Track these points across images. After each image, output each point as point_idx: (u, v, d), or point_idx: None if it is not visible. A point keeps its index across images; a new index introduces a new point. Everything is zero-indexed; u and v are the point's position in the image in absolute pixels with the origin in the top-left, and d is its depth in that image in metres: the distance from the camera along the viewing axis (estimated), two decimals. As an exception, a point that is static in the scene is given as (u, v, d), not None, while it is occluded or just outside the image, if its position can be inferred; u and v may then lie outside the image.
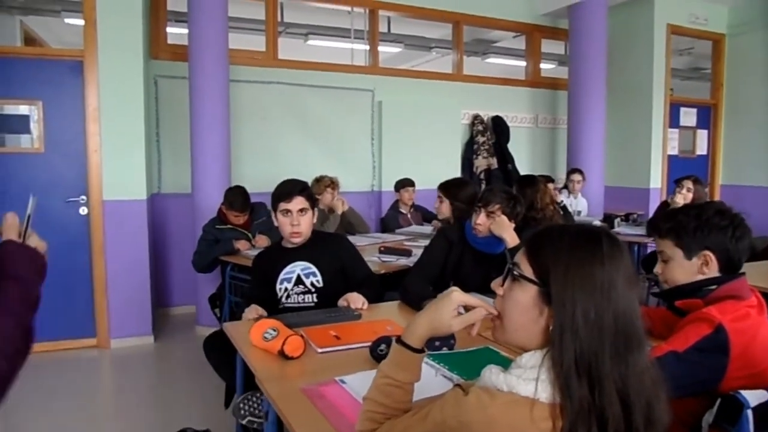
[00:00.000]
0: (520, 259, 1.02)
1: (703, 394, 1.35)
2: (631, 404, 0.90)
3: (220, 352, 2.39)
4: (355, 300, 2.31)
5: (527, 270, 1.00)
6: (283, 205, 2.40)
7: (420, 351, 1.13)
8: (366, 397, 1.17)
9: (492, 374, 0.97)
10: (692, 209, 1.61)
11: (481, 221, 2.47)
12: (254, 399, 1.97)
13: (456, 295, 1.10)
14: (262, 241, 3.89)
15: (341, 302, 2.32)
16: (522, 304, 1.00)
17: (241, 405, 1.97)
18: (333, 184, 4.61)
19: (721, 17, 7.17)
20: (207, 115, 4.60)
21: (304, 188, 2.49)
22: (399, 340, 1.15)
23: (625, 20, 6.83)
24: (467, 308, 1.12)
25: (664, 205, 4.86)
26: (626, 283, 0.95)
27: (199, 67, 4.59)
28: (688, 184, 4.70)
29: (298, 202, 2.41)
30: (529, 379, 0.92)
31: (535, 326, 0.98)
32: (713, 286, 1.54)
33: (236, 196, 3.93)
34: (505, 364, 1.02)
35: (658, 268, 1.66)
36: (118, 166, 4.31)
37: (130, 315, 4.41)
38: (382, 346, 1.70)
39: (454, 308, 1.09)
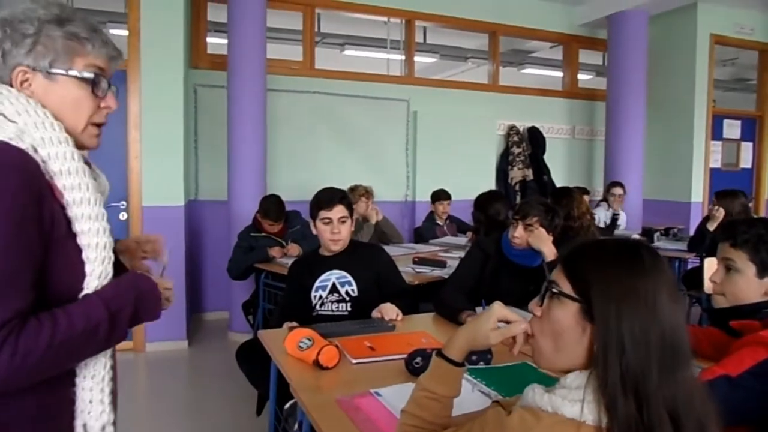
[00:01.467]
0: (558, 276, 0.98)
1: (758, 422, 1.29)
2: (682, 424, 0.86)
3: (254, 361, 2.39)
4: (389, 311, 2.28)
5: (566, 287, 0.96)
6: (323, 214, 2.41)
7: (460, 365, 1.11)
8: (404, 409, 1.15)
9: (536, 394, 0.94)
10: None
11: (518, 234, 2.43)
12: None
13: (497, 309, 1.08)
14: (294, 249, 3.91)
15: (375, 313, 2.30)
16: (563, 323, 0.96)
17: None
18: (367, 193, 4.62)
19: (767, 26, 6.96)
20: (244, 123, 4.67)
21: (344, 197, 2.50)
22: (439, 353, 1.13)
23: (666, 30, 6.69)
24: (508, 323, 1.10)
25: (705, 220, 4.70)
26: (670, 296, 0.91)
27: (238, 76, 4.67)
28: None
29: (339, 211, 2.42)
30: (575, 400, 0.89)
31: (578, 346, 0.94)
32: None
33: (271, 205, 3.97)
34: (544, 380, 0.99)
35: (716, 277, 1.58)
36: (158, 173, 4.40)
37: (165, 319, 4.38)
38: (418, 359, 1.67)
39: (494, 322, 1.07)
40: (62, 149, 1.02)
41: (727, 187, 5.01)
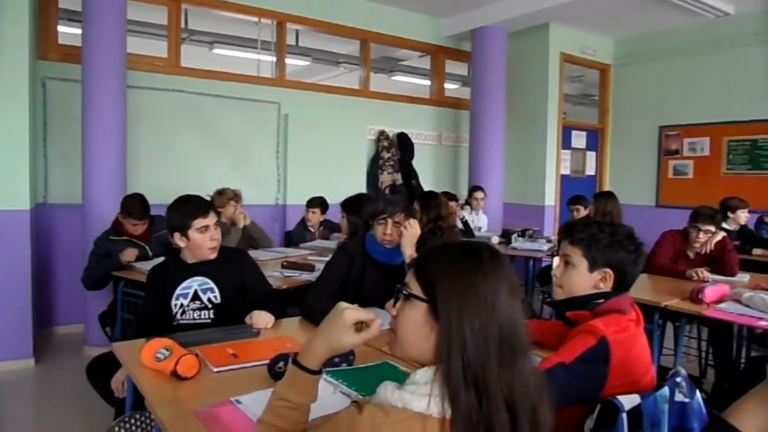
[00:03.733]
0: (409, 278, 1.05)
1: (587, 401, 1.44)
2: (517, 410, 0.94)
3: (107, 376, 2.24)
4: (261, 319, 2.24)
5: (415, 288, 1.02)
6: (200, 222, 2.31)
7: (317, 372, 1.12)
8: (260, 419, 1.14)
9: (387, 391, 0.98)
10: (607, 227, 1.71)
11: (390, 230, 2.49)
12: (133, 421, 1.86)
13: (348, 314, 1.09)
14: (130, 255, 3.59)
15: (247, 320, 2.25)
16: (413, 321, 1.02)
17: (117, 430, 1.85)
18: (236, 197, 4.50)
19: (607, 49, 7.78)
20: (101, 121, 4.35)
21: (212, 202, 2.46)
22: (295, 362, 1.13)
23: (523, 47, 7.23)
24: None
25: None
26: (509, 293, 0.99)
27: (93, 70, 4.34)
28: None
29: (213, 216, 2.37)
30: (422, 395, 0.94)
31: (427, 342, 1.00)
32: (601, 300, 1.65)
33: (134, 204, 3.71)
34: (404, 379, 1.03)
35: (557, 271, 1.75)
36: (-2, 173, 3.97)
37: (6, 335, 4.04)
38: (280, 364, 1.66)
39: (347, 326, 1.09)
40: None
41: (580, 192, 5.61)
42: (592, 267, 1.68)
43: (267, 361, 1.73)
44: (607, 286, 1.67)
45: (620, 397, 1.34)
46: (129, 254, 3.57)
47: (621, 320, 1.59)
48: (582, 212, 5.18)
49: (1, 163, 3.98)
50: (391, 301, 1.09)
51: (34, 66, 4.40)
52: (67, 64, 4.74)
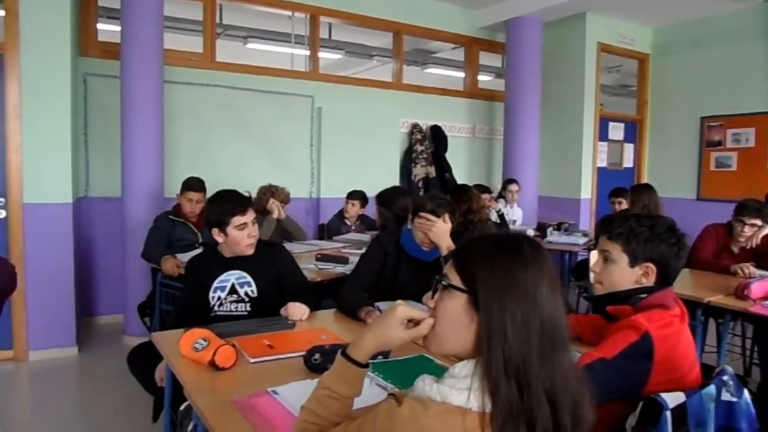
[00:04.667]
0: (449, 269, 1.04)
1: (629, 398, 1.40)
2: (559, 404, 0.92)
3: (147, 365, 2.28)
4: (296, 311, 2.26)
5: (455, 279, 1.01)
6: (239, 219, 2.34)
7: (364, 366, 1.13)
8: (303, 406, 1.15)
9: (425, 384, 0.97)
10: (646, 219, 1.66)
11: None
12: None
13: (401, 310, 1.09)
14: (171, 267, 3.55)
15: (282, 312, 2.27)
16: (452, 313, 1.01)
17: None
18: (273, 194, 4.51)
19: (646, 38, 7.57)
20: (139, 116, 4.44)
21: (250, 199, 2.51)
22: (344, 353, 1.13)
23: (559, 37, 7.09)
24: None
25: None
26: (550, 286, 0.98)
27: (132, 66, 4.42)
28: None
29: (251, 213, 2.40)
30: (462, 389, 0.93)
31: (466, 334, 0.99)
32: (644, 295, 1.60)
33: (192, 179, 4.06)
34: (439, 372, 1.02)
35: (596, 267, 1.71)
36: (41, 168, 4.08)
37: (51, 325, 4.17)
38: (316, 356, 1.67)
39: (399, 322, 1.09)
40: None
41: (617, 185, 5.47)
42: (633, 262, 1.63)
43: (302, 353, 1.74)
44: (649, 281, 1.62)
45: (664, 395, 1.30)
46: (170, 266, 3.56)
47: (664, 315, 1.54)
48: (624, 205, 5.06)
49: (46, 157, 4.09)
50: (429, 293, 1.08)
51: (75, 63, 4.51)
52: (107, 61, 4.84)
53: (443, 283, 1.03)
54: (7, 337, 4.09)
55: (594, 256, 1.80)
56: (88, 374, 4.02)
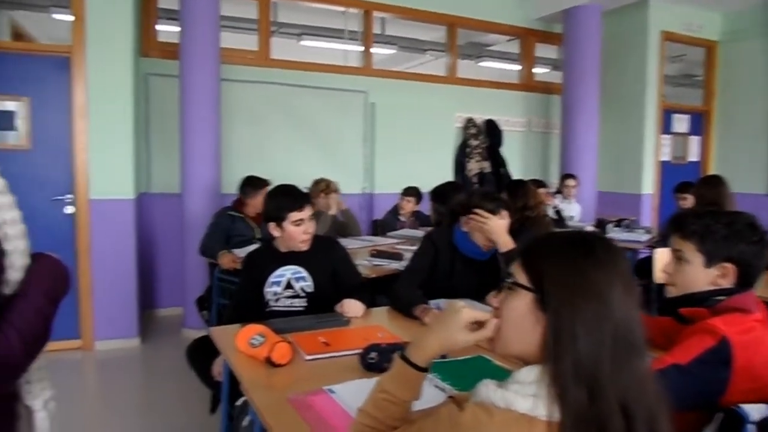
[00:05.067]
0: (515, 268, 0.99)
1: (704, 407, 1.31)
2: (633, 415, 0.86)
3: (205, 359, 2.32)
4: (352, 308, 2.25)
5: (521, 278, 0.96)
6: (296, 215, 2.35)
7: (424, 369, 1.08)
8: (361, 408, 1.12)
9: (489, 389, 0.92)
10: (723, 216, 1.54)
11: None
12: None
13: (466, 313, 1.04)
14: (228, 262, 3.61)
15: (338, 308, 2.27)
16: (518, 313, 0.96)
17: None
18: (327, 188, 4.53)
19: (714, 24, 7.19)
20: (197, 114, 4.54)
21: (308, 195, 2.51)
22: (403, 356, 1.09)
23: (619, 26, 6.83)
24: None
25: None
26: (625, 288, 0.91)
27: (190, 65, 4.53)
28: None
29: (309, 209, 2.40)
30: (528, 395, 0.88)
31: (532, 336, 0.94)
32: (722, 297, 1.48)
33: (253, 177, 4.14)
34: (499, 373, 0.98)
35: (668, 268, 1.60)
36: (106, 165, 4.24)
37: (115, 316, 4.33)
38: (373, 354, 1.64)
39: (463, 325, 1.04)
40: None
41: (682, 179, 5.18)
42: (709, 262, 1.51)
43: (358, 351, 1.72)
44: (727, 282, 1.49)
45: (745, 406, 1.21)
46: (227, 261, 3.61)
47: (745, 320, 1.42)
48: (690, 201, 4.80)
49: (110, 155, 4.25)
50: (494, 293, 1.04)
51: (137, 63, 4.65)
52: (167, 61, 4.97)
53: (509, 281, 0.98)
54: (75, 327, 4.27)
55: (660, 254, 1.69)
56: (150, 365, 4.15)
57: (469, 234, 2.47)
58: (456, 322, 1.04)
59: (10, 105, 4.07)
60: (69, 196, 4.21)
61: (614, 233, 4.95)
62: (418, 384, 1.09)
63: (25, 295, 0.96)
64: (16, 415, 1.03)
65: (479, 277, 2.53)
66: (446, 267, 2.52)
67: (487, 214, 2.38)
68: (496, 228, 2.38)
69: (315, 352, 1.78)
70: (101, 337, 4.30)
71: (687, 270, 1.54)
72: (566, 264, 0.92)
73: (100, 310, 4.28)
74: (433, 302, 2.30)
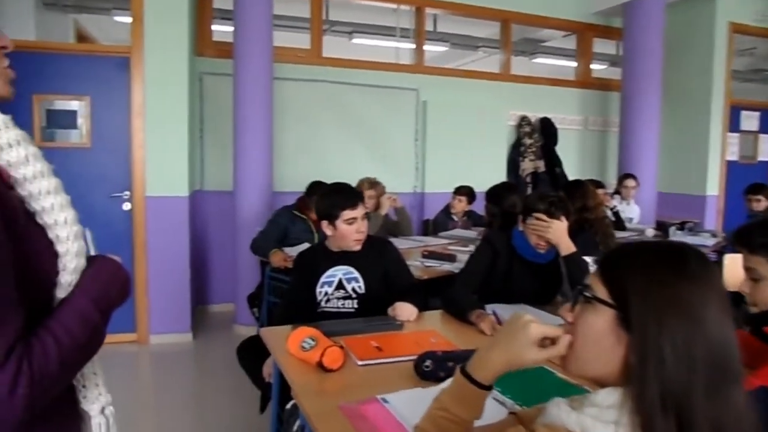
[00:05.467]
0: (593, 279, 0.89)
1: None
2: None
3: (255, 358, 2.30)
4: (405, 311, 2.18)
5: (601, 291, 0.86)
6: (348, 214, 2.31)
7: (488, 387, 0.98)
8: (417, 425, 1.04)
9: (561, 411, 0.84)
10: None
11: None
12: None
13: (534, 328, 0.93)
14: (279, 260, 3.56)
15: (390, 312, 2.20)
16: (596, 330, 0.86)
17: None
18: (372, 187, 4.47)
19: (788, 15, 6.76)
20: (250, 112, 4.58)
21: (361, 193, 2.48)
22: (464, 372, 0.99)
23: (683, 18, 6.52)
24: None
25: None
26: (720, 307, 0.81)
27: (244, 64, 4.57)
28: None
29: (362, 209, 2.36)
30: (607, 422, 0.79)
31: (612, 357, 0.84)
32: None
33: (320, 182, 3.91)
34: (566, 389, 0.90)
35: (744, 287, 1.47)
36: (162, 163, 4.32)
37: (169, 311, 4.41)
38: (428, 362, 1.57)
39: (533, 342, 0.93)
40: None
41: (751, 180, 4.89)
42: None
43: (411, 357, 1.65)
44: None
45: None
46: (278, 259, 3.57)
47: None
48: (763, 203, 4.51)
49: (166, 153, 4.32)
50: (568, 305, 0.94)
51: (192, 63, 4.72)
52: (221, 60, 5.03)
53: (587, 295, 0.88)
54: (132, 321, 4.37)
55: (730, 260, 1.55)
56: (201, 360, 4.21)
57: (525, 236, 2.37)
58: (524, 339, 0.94)
59: (73, 104, 4.21)
60: (126, 193, 4.31)
61: (678, 237, 4.71)
62: (480, 403, 1.00)
63: (68, 300, 0.92)
64: (78, 416, 1.01)
65: (537, 280, 2.43)
66: (504, 270, 2.42)
67: (548, 218, 2.27)
68: (557, 231, 2.27)
69: (367, 357, 1.72)
70: (156, 331, 4.39)
71: (763, 287, 1.40)
72: (654, 278, 0.82)
73: (155, 305, 4.37)
74: (488, 307, 2.21)
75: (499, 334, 0.99)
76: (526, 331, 0.94)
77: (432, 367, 1.55)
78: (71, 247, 0.93)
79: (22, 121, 3.94)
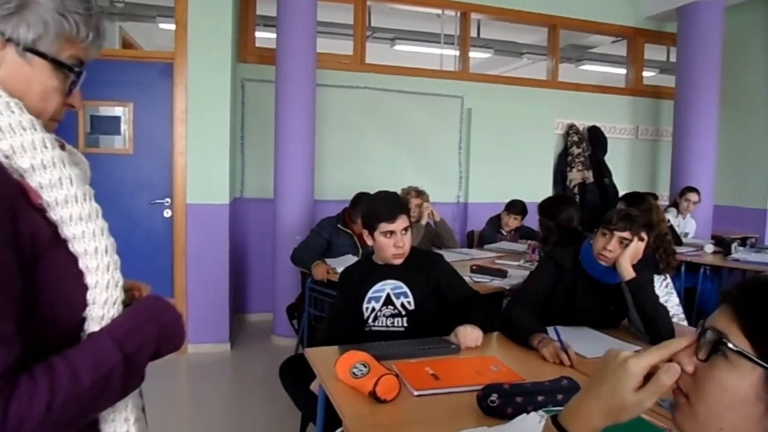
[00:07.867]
0: (727, 325, 0.69)
1: None
2: None
3: (298, 379, 2.17)
4: (468, 338, 1.95)
5: (740, 341, 0.67)
6: (385, 227, 2.15)
7: None
8: None
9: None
10: None
11: (612, 247, 2.14)
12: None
13: (635, 365, 0.74)
14: (321, 273, 3.41)
15: (452, 338, 1.98)
16: (734, 393, 0.68)
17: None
18: (416, 196, 4.33)
19: None
20: (292, 119, 4.49)
21: (405, 205, 2.29)
22: (557, 424, 0.82)
23: (744, 21, 6.20)
24: None
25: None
26: None
27: (286, 70, 4.49)
28: None
29: (402, 222, 2.18)
30: None
31: (753, 427, 0.67)
32: None
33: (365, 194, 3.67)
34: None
35: None
36: (203, 170, 4.26)
37: (208, 320, 4.34)
38: (493, 396, 1.41)
39: (636, 383, 0.74)
40: (30, 137, 0.79)
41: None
42: None
43: (473, 388, 1.50)
44: None
45: None
46: (320, 272, 3.43)
47: None
48: None
49: (207, 160, 4.27)
50: (686, 350, 0.74)
51: (235, 69, 4.67)
52: (263, 66, 4.97)
53: (723, 344, 0.69)
54: (170, 330, 4.30)
55: None
56: (239, 371, 4.11)
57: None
58: (626, 382, 0.74)
59: (117, 110, 4.19)
60: (167, 200, 4.27)
61: (740, 254, 4.42)
62: None
63: (89, 338, 0.81)
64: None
65: (603, 301, 2.24)
66: (568, 289, 2.24)
67: (628, 235, 2.10)
68: (637, 253, 2.09)
69: (424, 387, 1.57)
70: (194, 340, 4.31)
71: None
72: None
73: (194, 314, 4.30)
74: (550, 329, 2.03)
75: (594, 378, 0.81)
76: (628, 373, 0.74)
77: (498, 403, 1.39)
78: (101, 279, 0.82)
79: (68, 126, 3.94)
